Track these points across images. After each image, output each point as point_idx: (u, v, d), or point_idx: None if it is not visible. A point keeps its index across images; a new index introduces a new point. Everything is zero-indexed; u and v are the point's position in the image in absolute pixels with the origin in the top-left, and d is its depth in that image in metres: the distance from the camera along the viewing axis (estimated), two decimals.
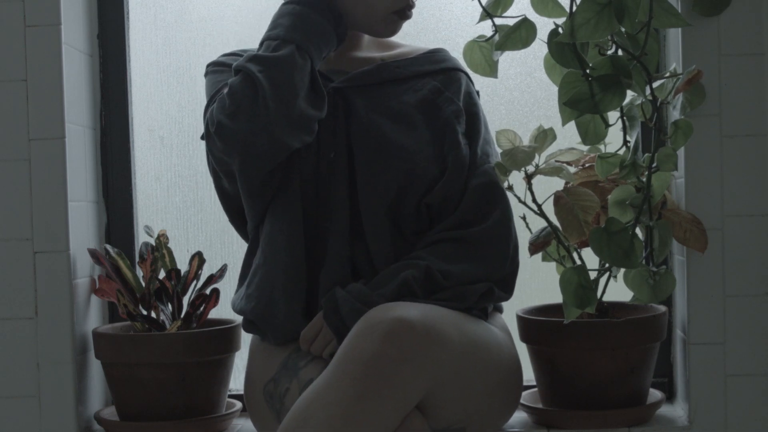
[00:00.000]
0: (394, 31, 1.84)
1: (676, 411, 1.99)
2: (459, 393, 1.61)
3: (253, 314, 1.79)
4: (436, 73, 1.86)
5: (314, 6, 1.76)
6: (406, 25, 1.86)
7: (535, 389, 1.95)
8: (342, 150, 1.77)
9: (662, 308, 1.90)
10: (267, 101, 1.66)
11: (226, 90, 1.71)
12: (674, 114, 1.85)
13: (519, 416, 1.95)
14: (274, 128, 1.67)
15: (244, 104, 1.67)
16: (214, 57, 1.94)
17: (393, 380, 1.48)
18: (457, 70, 1.88)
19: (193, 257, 2.01)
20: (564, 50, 1.70)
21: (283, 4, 1.79)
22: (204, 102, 1.84)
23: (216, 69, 1.85)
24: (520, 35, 1.79)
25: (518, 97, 2.17)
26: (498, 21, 1.82)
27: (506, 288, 1.79)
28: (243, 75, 1.70)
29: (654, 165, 1.76)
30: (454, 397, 1.60)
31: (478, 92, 1.90)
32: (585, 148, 1.88)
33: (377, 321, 1.52)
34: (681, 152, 1.88)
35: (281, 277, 1.75)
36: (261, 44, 1.75)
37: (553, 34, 1.71)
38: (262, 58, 1.70)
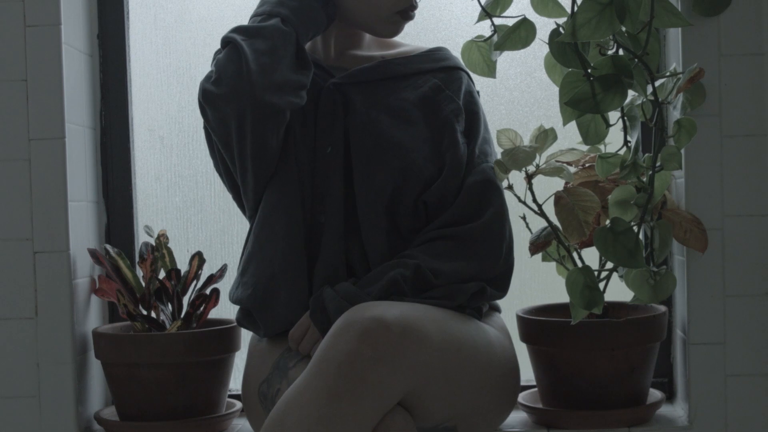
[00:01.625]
0: (395, 31, 1.85)
1: (676, 411, 1.99)
2: (444, 391, 1.60)
3: (250, 301, 1.78)
4: (437, 71, 1.86)
5: None
6: (407, 25, 1.86)
7: (535, 389, 1.95)
8: (339, 145, 1.77)
9: (662, 308, 1.90)
10: (249, 65, 1.68)
11: (213, 63, 1.75)
12: (674, 114, 1.85)
13: (519, 416, 1.95)
14: (255, 90, 1.68)
15: (228, 70, 1.70)
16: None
17: (368, 380, 1.48)
18: (458, 69, 1.88)
19: (193, 257, 2.01)
20: (565, 50, 1.70)
21: None
22: None
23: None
24: (519, 35, 1.79)
25: (518, 97, 2.17)
26: (497, 21, 1.82)
27: (500, 287, 1.78)
28: (228, 45, 1.73)
29: (658, 164, 1.76)
30: (439, 395, 1.60)
31: (478, 92, 1.90)
32: (585, 148, 1.89)
33: (354, 321, 1.51)
34: (681, 152, 1.88)
35: (281, 265, 1.75)
36: (249, 21, 1.78)
37: (555, 33, 1.71)
38: (246, 28, 1.74)
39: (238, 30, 1.74)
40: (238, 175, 1.79)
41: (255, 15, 1.78)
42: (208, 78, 1.73)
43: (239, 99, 1.68)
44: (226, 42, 1.74)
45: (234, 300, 1.83)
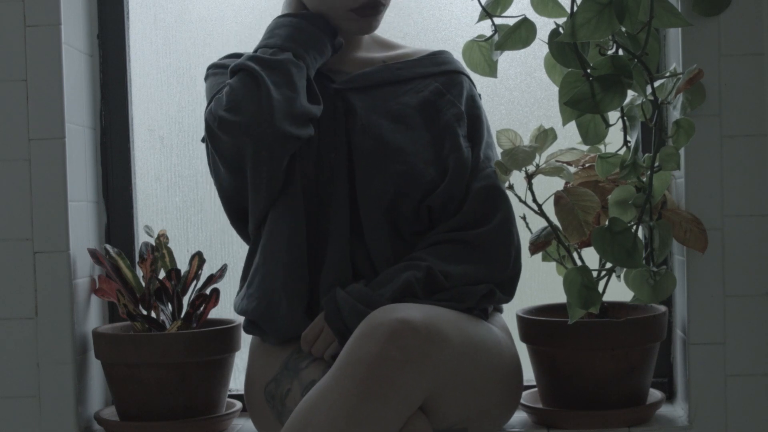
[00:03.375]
0: (361, 28, 1.83)
1: (676, 411, 1.99)
2: (460, 393, 1.60)
3: (255, 314, 1.79)
4: (438, 75, 1.86)
5: (311, 19, 1.78)
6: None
7: (535, 389, 1.95)
8: (342, 150, 1.77)
9: (662, 308, 1.90)
10: (270, 95, 1.67)
11: (225, 89, 1.72)
12: (674, 114, 1.85)
13: (519, 416, 1.95)
14: (276, 120, 1.68)
15: (247, 98, 1.68)
16: (214, 57, 1.94)
17: (396, 382, 1.48)
18: (460, 72, 1.87)
19: (193, 257, 2.01)
20: (565, 50, 1.70)
21: (280, 17, 1.81)
22: (204, 104, 1.84)
23: (217, 71, 1.85)
24: (519, 35, 1.79)
25: (518, 97, 2.17)
26: (498, 21, 1.82)
27: (508, 291, 1.78)
28: (243, 73, 1.71)
29: (656, 164, 1.76)
30: (455, 397, 1.60)
31: (479, 95, 1.90)
32: (585, 148, 1.89)
33: (380, 322, 1.51)
34: (681, 152, 1.88)
35: (282, 276, 1.75)
36: (255, 50, 1.77)
37: (554, 33, 1.72)
38: (262, 59, 1.72)
39: (254, 59, 1.72)
40: (250, 197, 1.78)
41: (264, 47, 1.76)
42: (220, 105, 1.71)
43: (259, 128, 1.67)
44: (239, 69, 1.72)
45: (239, 311, 1.84)
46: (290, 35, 1.76)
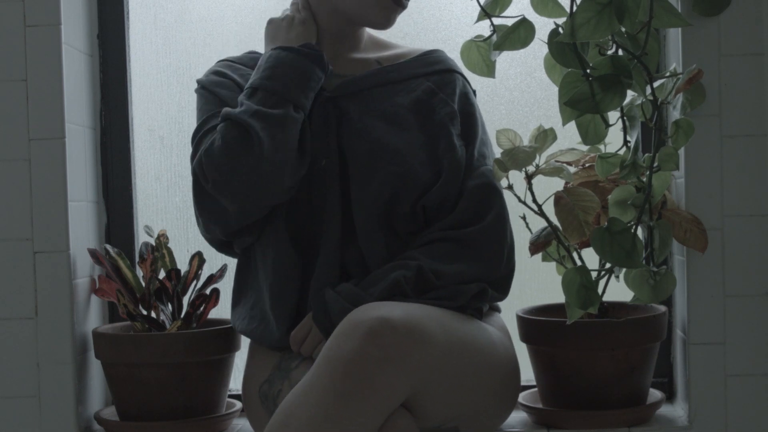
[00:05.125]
0: (389, 18, 1.81)
1: (676, 411, 1.99)
2: (447, 392, 1.60)
3: (254, 335, 1.81)
4: (430, 74, 1.84)
5: (314, 58, 1.76)
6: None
7: (535, 389, 1.95)
8: (334, 156, 1.76)
9: (662, 308, 1.90)
10: (261, 165, 1.67)
11: (217, 139, 1.70)
12: (674, 114, 1.85)
13: (519, 416, 1.95)
14: (265, 187, 1.69)
15: (242, 162, 1.68)
16: (214, 57, 1.93)
17: (374, 380, 1.47)
18: (452, 71, 1.86)
19: (193, 257, 2.01)
20: (564, 50, 1.70)
21: (281, 50, 1.77)
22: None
23: (204, 93, 1.83)
24: (518, 35, 1.79)
25: (518, 97, 2.17)
26: (497, 21, 1.82)
27: (501, 289, 1.78)
28: (241, 130, 1.69)
29: (655, 165, 1.76)
30: (442, 396, 1.59)
31: (474, 91, 1.89)
32: (585, 148, 1.88)
33: (359, 321, 1.51)
34: (681, 152, 1.88)
35: (269, 298, 1.76)
36: (254, 89, 1.73)
37: (554, 33, 1.71)
38: (265, 116, 1.69)
39: (256, 116, 1.69)
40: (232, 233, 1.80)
41: (265, 90, 1.72)
42: (211, 162, 1.68)
43: (249, 194, 1.69)
44: (235, 120, 1.69)
45: (239, 331, 1.85)
46: (293, 80, 1.73)
